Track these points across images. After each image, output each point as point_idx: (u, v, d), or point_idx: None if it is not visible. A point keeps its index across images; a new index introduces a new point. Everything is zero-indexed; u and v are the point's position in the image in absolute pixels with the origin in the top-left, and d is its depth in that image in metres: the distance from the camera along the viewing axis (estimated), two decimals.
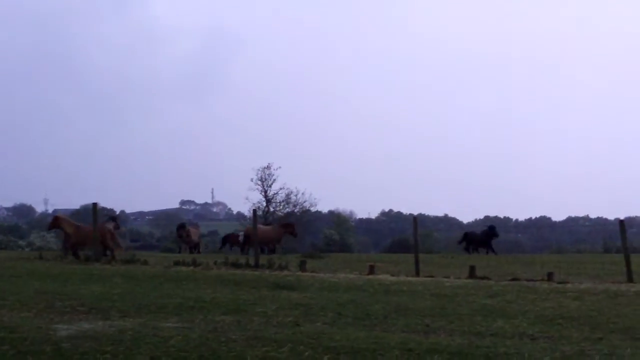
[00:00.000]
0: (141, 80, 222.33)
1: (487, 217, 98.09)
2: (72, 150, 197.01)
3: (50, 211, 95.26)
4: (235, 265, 19.67)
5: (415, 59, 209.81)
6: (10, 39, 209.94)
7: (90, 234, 23.50)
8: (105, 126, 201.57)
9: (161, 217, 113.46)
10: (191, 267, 18.81)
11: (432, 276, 18.19)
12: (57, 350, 7.13)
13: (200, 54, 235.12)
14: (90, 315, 9.87)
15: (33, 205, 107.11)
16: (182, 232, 38.08)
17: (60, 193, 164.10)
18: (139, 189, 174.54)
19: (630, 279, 17.58)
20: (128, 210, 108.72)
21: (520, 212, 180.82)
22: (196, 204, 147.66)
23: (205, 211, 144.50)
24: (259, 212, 54.84)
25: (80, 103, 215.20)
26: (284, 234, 35.39)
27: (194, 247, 37.71)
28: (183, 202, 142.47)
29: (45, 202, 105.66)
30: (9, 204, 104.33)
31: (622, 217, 22.06)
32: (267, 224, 40.05)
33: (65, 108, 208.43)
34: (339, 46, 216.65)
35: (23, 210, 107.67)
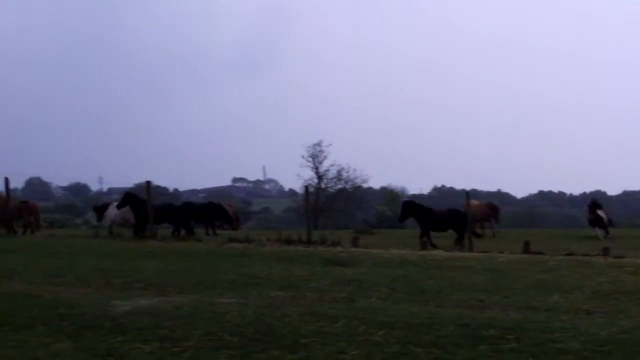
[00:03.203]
0: (192, 59, 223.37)
1: (541, 191, 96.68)
2: (125, 129, 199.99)
3: (105, 189, 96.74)
4: (288, 241, 19.75)
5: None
6: (66, 27, 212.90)
7: (12, 209, 23.85)
8: (158, 105, 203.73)
9: (214, 194, 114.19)
10: (244, 244, 18.93)
11: (485, 251, 18.04)
12: (116, 326, 7.25)
13: (253, 33, 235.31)
14: (147, 292, 9.98)
15: (88, 184, 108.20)
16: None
17: (114, 171, 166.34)
18: (192, 167, 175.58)
19: None
20: (181, 188, 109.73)
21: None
22: (248, 182, 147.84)
23: (257, 188, 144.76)
24: (311, 189, 55.27)
25: (132, 82, 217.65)
26: (487, 215, 33.58)
27: (231, 224, 38.22)
28: (235, 180, 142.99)
29: (100, 180, 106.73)
30: (64, 183, 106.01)
31: None
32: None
33: (118, 88, 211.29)
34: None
35: (78, 189, 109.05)
